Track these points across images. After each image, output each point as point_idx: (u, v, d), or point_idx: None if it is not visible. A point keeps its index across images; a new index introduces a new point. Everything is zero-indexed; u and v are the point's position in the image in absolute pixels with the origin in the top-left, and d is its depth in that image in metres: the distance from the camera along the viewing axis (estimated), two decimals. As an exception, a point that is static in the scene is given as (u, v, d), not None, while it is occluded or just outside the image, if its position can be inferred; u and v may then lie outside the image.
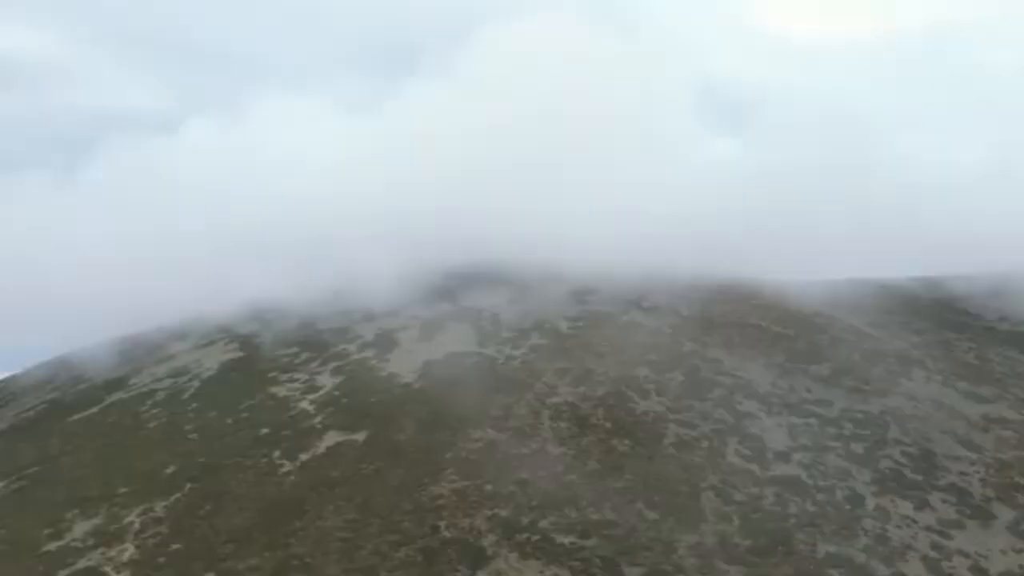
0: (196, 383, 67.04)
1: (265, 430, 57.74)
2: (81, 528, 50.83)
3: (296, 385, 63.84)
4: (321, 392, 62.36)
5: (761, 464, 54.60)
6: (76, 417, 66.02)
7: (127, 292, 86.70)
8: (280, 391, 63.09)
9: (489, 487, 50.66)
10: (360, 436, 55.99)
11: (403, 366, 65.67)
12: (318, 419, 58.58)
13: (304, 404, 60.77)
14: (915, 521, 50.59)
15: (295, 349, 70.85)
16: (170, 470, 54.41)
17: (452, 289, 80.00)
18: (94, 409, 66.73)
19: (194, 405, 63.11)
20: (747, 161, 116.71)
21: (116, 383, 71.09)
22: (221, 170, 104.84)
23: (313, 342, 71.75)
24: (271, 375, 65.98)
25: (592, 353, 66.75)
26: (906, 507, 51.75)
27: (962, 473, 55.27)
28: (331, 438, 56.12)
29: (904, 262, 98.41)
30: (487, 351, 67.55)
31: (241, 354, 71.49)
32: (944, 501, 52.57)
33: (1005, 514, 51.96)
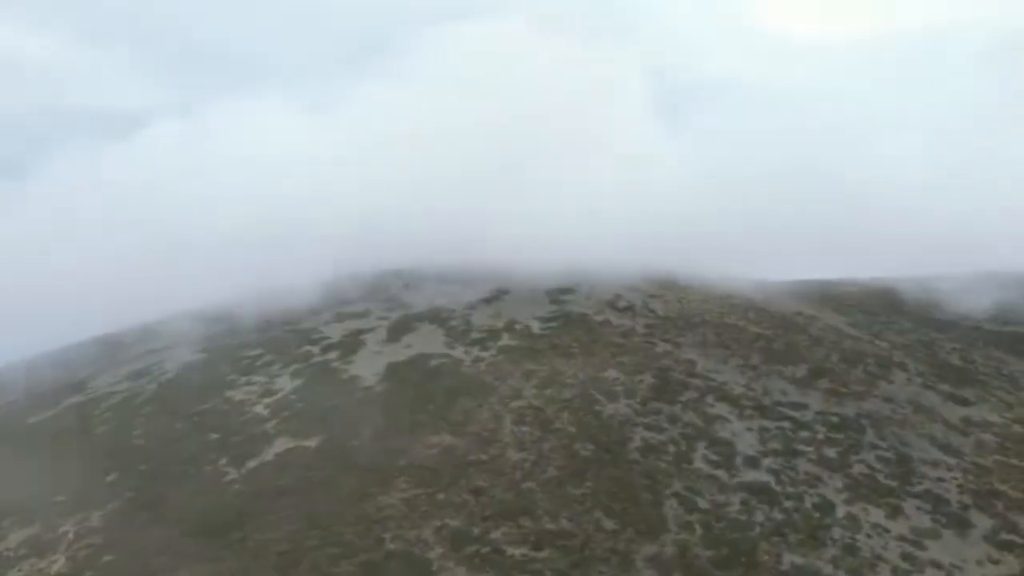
0: (153, 386, 64.37)
1: (215, 436, 55.04)
2: (16, 537, 48.31)
3: (253, 388, 61.11)
4: (278, 396, 59.60)
5: (729, 470, 51.63)
6: (30, 421, 63.29)
7: (94, 294, 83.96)
8: (236, 395, 60.34)
9: (441, 496, 47.80)
10: (312, 442, 53.20)
11: (366, 368, 62.90)
12: (271, 424, 55.83)
13: (259, 408, 58.03)
14: (887, 530, 47.60)
15: (259, 351, 68.04)
16: (111, 478, 51.74)
17: (425, 290, 77.30)
18: (48, 413, 64.04)
19: (147, 409, 60.41)
20: (732, 160, 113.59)
21: (75, 386, 68.53)
22: (185, 171, 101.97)
23: (278, 343, 69.05)
24: (230, 378, 63.24)
25: (562, 355, 63.89)
26: (878, 515, 48.78)
27: (939, 479, 52.30)
28: (282, 444, 53.32)
29: (891, 261, 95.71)
30: (455, 353, 64.74)
31: (203, 356, 68.63)
32: (919, 509, 49.56)
33: (983, 523, 48.93)
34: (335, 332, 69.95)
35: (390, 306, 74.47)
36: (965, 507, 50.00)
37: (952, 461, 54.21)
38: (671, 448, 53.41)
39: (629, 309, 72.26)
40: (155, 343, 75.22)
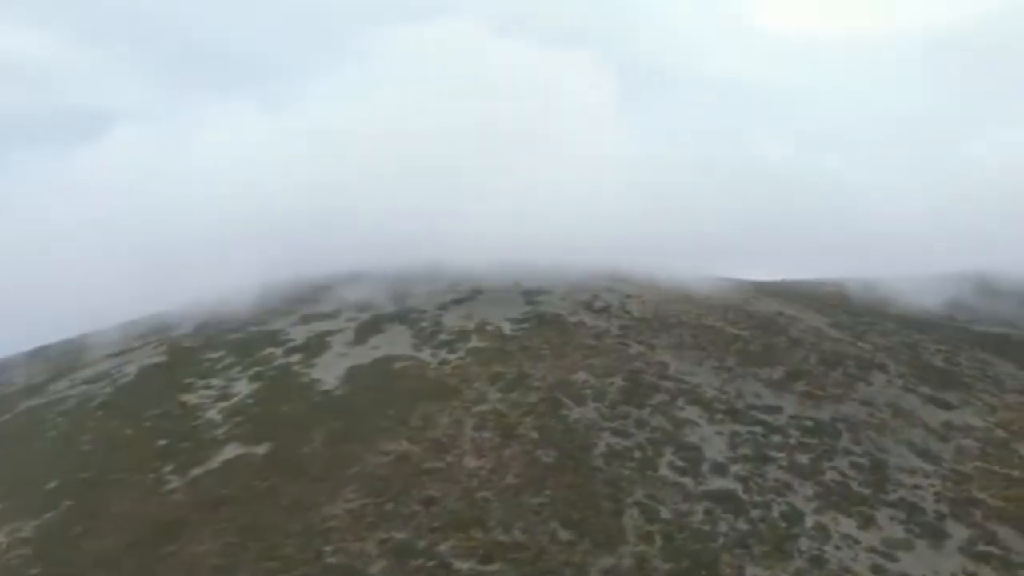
0: (110, 390, 61.86)
1: (163, 442, 52.53)
2: (-52, 549, 45.43)
3: (209, 392, 58.58)
4: (233, 400, 57.06)
5: (695, 477, 48.92)
6: (-14, 425, 60.80)
7: (63, 296, 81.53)
8: (191, 399, 57.79)
9: (390, 506, 45.17)
10: (262, 449, 50.65)
11: (328, 372, 60.36)
12: (222, 430, 53.28)
13: (212, 413, 55.50)
14: (857, 541, 44.85)
15: (222, 353, 65.46)
16: (51, 485, 49.20)
17: (398, 290, 74.57)
18: (4, 417, 61.50)
19: (99, 414, 57.92)
20: (706, 159, 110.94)
21: (35, 389, 66.03)
22: (150, 173, 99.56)
23: (242, 345, 66.51)
24: (187, 381, 60.71)
25: (531, 357, 61.28)
26: (849, 525, 45.99)
27: (915, 487, 49.54)
28: (230, 451, 50.78)
29: (880, 261, 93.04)
30: (421, 355, 62.16)
31: (165, 359, 66.06)
32: (892, 518, 46.79)
33: (959, 533, 46.13)
34: (301, 334, 67.41)
35: (361, 307, 71.80)
36: (941, 516, 47.26)
37: (930, 468, 51.46)
38: (636, 454, 50.75)
39: (605, 310, 69.64)
40: (121, 345, 72.55)
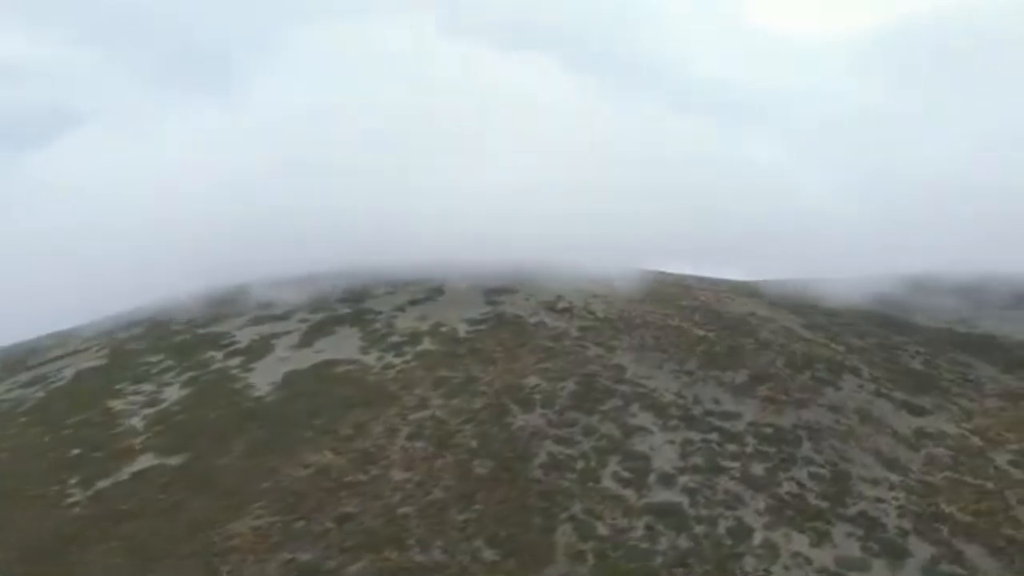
0: (42, 394, 57.96)
1: (77, 451, 48.50)
2: None
3: (138, 398, 54.76)
4: (160, 407, 53.22)
5: (638, 489, 44.73)
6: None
7: (20, 299, 77.96)
8: (118, 405, 53.96)
9: (300, 524, 41.13)
10: (177, 460, 46.72)
11: (264, 377, 56.43)
12: (141, 439, 49.46)
13: (135, 421, 51.63)
14: (808, 560, 40.61)
15: (161, 356, 61.59)
16: (-44, 496, 45.16)
17: (358, 291, 70.55)
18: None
19: (23, 420, 54.04)
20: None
21: (-28, 394, 62.03)
22: (112, 173, 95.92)
23: (184, 348, 62.67)
24: (119, 386, 56.95)
25: (482, 360, 57.18)
26: (801, 542, 41.72)
27: (877, 500, 45.18)
28: (143, 462, 46.90)
29: (869, 258, 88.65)
30: (366, 359, 58.15)
31: (104, 362, 62.20)
32: (849, 535, 42.46)
33: (921, 551, 41.83)
34: (247, 336, 63.39)
35: (315, 308, 67.80)
36: (903, 533, 42.92)
37: (895, 478, 47.09)
38: (579, 464, 46.60)
39: (567, 311, 65.47)
40: (67, 348, 68.81)
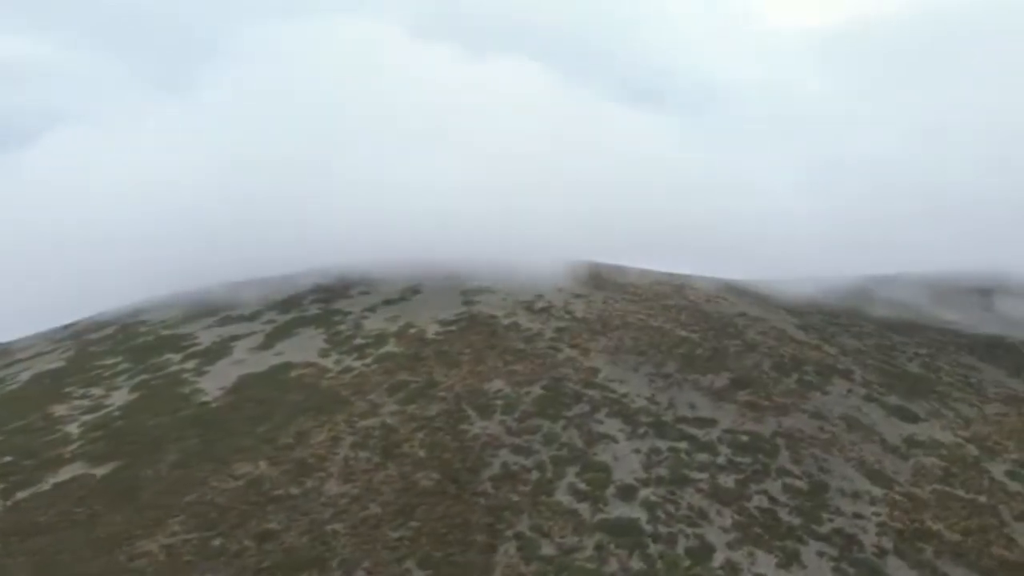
0: (-11, 399, 54.43)
1: (8, 458, 44.97)
2: None
3: (82, 403, 51.27)
4: (102, 412, 49.65)
5: (594, 503, 40.55)
6: None
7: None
8: (59, 410, 50.49)
9: (217, 542, 37.33)
10: (104, 470, 43.11)
11: (216, 381, 52.76)
12: (73, 447, 45.85)
13: (72, 427, 48.06)
14: (772, 584, 36.01)
15: (120, 359, 58.08)
16: None
17: (333, 291, 66.75)
18: None
19: (-37, 426, 50.41)
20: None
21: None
22: (85, 173, 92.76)
23: (145, 350, 59.07)
24: (67, 390, 53.57)
25: (446, 363, 53.20)
26: (766, 562, 37.39)
27: (856, 515, 40.76)
28: (70, 471, 43.28)
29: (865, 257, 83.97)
30: (324, 362, 54.36)
31: (63, 365, 58.80)
32: (821, 554, 38.07)
33: (901, 573, 37.26)
34: (210, 338, 59.79)
35: (286, 308, 64.12)
36: (882, 552, 38.52)
37: (879, 492, 42.61)
38: (534, 475, 42.49)
39: (545, 310, 61.27)
40: (36, 350, 65.56)
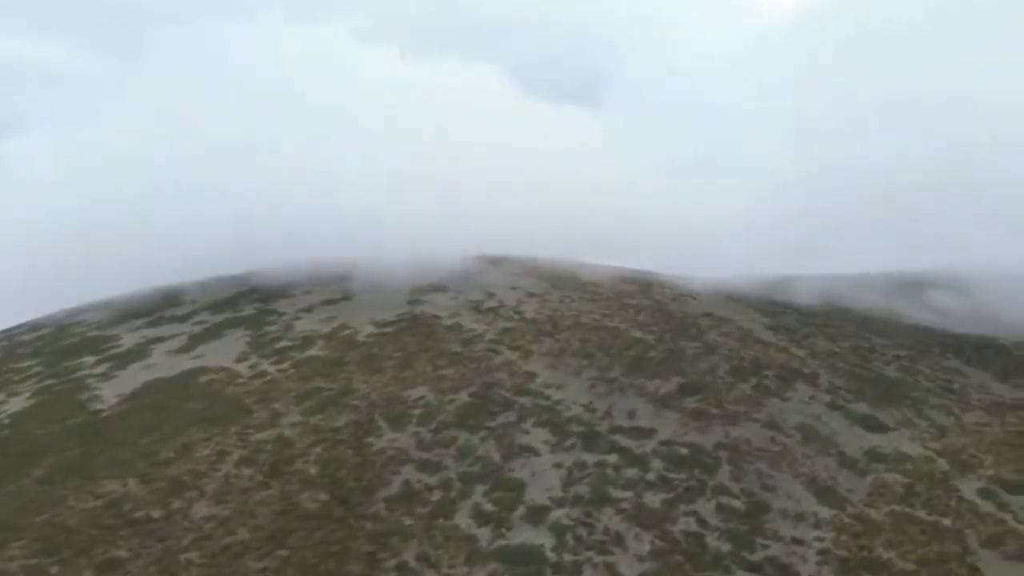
0: None
1: None
2: None
3: (-25, 411, 46.17)
4: (-14, 421, 44.53)
5: (498, 527, 35.18)
6: None
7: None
8: (-54, 419, 45.46)
9: (55, 570, 31.98)
10: (-38, 486, 37.85)
11: (119, 387, 47.99)
12: (-58, 459, 40.68)
13: (-50, 438, 42.98)
14: (683, 625, 30.32)
15: (33, 362, 53.48)
16: None
17: (273, 291, 61.76)
18: None
19: None
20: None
21: None
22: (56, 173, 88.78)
23: (62, 353, 54.50)
24: (-35, 397, 48.43)
25: (369, 368, 48.05)
26: (682, 600, 31.46)
27: (795, 540, 34.88)
28: (-73, 487, 38.09)
29: (863, 255, 77.96)
30: (238, 367, 49.41)
31: (-23, 369, 54.21)
32: (747, 589, 32.11)
33: (839, 611, 31.27)
34: (133, 340, 54.96)
35: (220, 309, 59.17)
36: (820, 586, 32.43)
37: (826, 513, 36.81)
38: (436, 495, 37.04)
39: (493, 311, 55.83)
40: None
